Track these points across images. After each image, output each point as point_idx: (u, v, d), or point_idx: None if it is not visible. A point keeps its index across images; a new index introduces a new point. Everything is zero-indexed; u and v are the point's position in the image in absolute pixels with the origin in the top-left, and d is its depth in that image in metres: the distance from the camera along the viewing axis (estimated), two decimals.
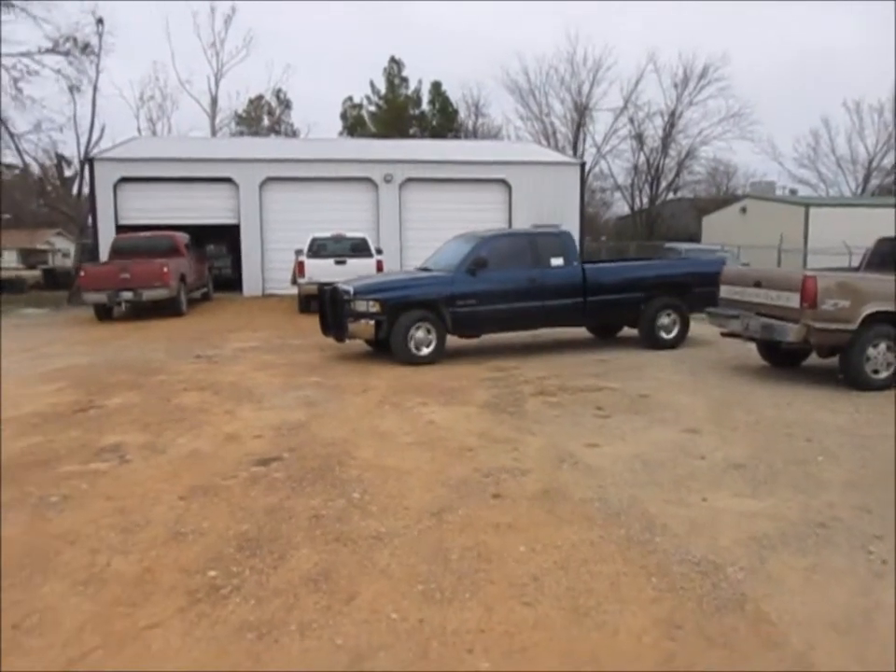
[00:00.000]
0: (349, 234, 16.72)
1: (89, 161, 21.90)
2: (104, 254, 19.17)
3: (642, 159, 43.63)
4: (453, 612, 3.08)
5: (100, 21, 32.59)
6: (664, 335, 10.60)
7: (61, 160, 39.34)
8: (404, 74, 51.17)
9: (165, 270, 14.87)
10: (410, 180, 21.85)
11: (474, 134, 48.90)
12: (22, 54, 25.87)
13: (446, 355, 9.97)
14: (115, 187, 20.51)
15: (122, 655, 2.80)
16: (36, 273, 39.72)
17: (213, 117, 46.26)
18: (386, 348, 9.68)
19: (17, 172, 40.76)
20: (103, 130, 36.24)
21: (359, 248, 16.15)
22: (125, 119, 57.59)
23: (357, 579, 3.38)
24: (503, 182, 22.52)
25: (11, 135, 28.16)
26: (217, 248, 24.01)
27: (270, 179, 21.08)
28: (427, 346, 9.56)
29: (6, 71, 25.41)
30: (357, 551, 3.68)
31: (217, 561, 3.57)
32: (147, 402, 7.32)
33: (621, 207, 48.05)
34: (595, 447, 5.53)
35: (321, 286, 11.11)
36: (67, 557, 3.67)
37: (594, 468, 5.02)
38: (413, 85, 50.91)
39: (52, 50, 27.07)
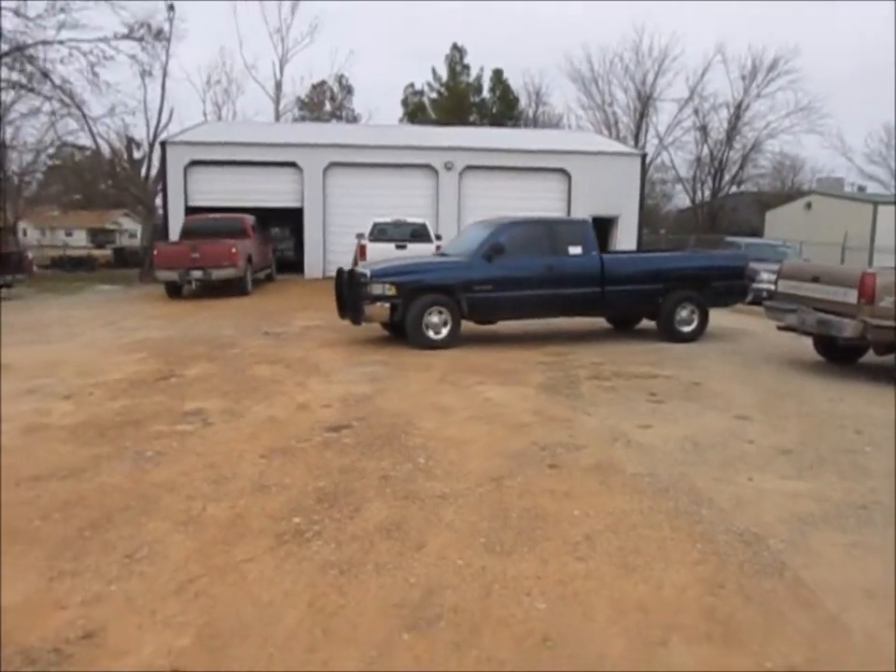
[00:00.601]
0: (409, 220, 17.10)
1: (161, 144, 22.77)
2: (173, 234, 20.00)
3: (706, 151, 42.95)
4: (512, 562, 3.41)
5: (171, 7, 33.63)
6: (682, 328, 10.48)
7: (131, 142, 40.70)
8: (466, 61, 51.34)
9: (234, 251, 15.50)
10: (470, 168, 22.13)
11: (534, 123, 48.80)
12: (99, 39, 26.93)
13: (500, 339, 10.28)
14: (185, 169, 21.30)
15: (224, 582, 3.21)
16: (107, 252, 41.34)
17: (277, 102, 47.23)
18: (402, 332, 9.77)
19: (87, 153, 42.36)
20: (171, 113, 37.17)
21: (419, 234, 16.51)
22: (192, 103, 59.26)
23: (425, 531, 3.74)
24: (563, 171, 22.61)
25: (85, 118, 29.35)
26: (280, 231, 24.67)
27: (333, 164, 21.62)
28: (442, 331, 9.59)
29: (83, 56, 26.51)
30: (424, 507, 4.04)
31: (299, 510, 3.98)
32: (223, 373, 7.82)
33: (682, 200, 47.41)
34: (648, 428, 5.78)
35: None
36: (167, 502, 4.12)
37: (645, 446, 5.28)
38: (474, 72, 51.04)
39: (128, 36, 28.10)
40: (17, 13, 23.55)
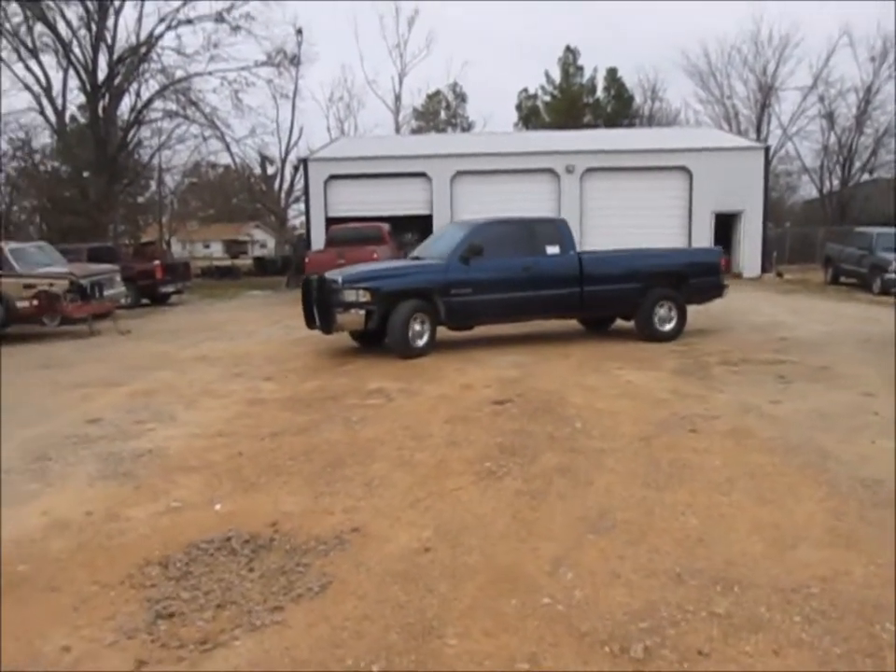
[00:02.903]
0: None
1: (302, 161, 24.74)
2: (315, 243, 21.76)
3: (833, 139, 41.40)
4: (666, 495, 4.27)
5: (299, 32, 36.14)
6: (661, 327, 10.28)
7: (264, 159, 43.75)
8: (579, 62, 51.67)
9: (375, 256, 16.84)
10: (590, 170, 22.77)
11: (650, 120, 48.52)
12: (242, 68, 29.50)
13: (621, 333, 10.99)
14: (325, 183, 23.10)
15: (444, 502, 4.25)
16: (245, 261, 44.57)
17: (396, 113, 49.27)
18: (373, 341, 9.70)
19: (221, 171, 45.79)
20: (301, 131, 39.95)
21: None
22: (316, 119, 62.54)
23: (592, 473, 4.65)
24: (684, 169, 22.85)
25: (223, 139, 31.99)
26: (411, 237, 26.15)
27: (460, 173, 22.86)
28: (422, 338, 9.33)
29: (229, 84, 29.14)
30: (588, 458, 4.95)
31: (488, 458, 4.98)
32: (389, 361, 9.00)
33: (808, 191, 45.80)
34: (777, 403, 6.44)
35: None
36: (381, 451, 5.23)
37: (776, 417, 5.97)
38: (587, 73, 51.28)
39: (266, 63, 30.59)
40: (177, 51, 26.27)
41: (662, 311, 10.33)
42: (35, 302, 12.48)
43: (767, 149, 25.53)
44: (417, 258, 10.63)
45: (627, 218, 21.68)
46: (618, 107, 50.16)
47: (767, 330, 11.14)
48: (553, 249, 10.12)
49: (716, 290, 10.86)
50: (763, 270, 23.58)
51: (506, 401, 6.62)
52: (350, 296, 9.12)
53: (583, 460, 4.90)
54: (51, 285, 12.61)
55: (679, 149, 23.46)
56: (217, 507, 4.32)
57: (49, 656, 2.84)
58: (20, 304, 12.47)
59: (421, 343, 9.31)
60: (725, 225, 23.63)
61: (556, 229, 10.47)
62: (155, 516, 4.17)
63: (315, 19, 59.93)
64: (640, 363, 8.56)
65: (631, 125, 45.95)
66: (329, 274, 9.73)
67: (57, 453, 5.46)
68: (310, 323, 9.93)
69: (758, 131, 41.67)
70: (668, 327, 10.35)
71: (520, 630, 2.88)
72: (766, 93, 42.32)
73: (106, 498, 4.46)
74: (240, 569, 3.50)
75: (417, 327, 9.28)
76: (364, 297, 9.09)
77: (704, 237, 22.58)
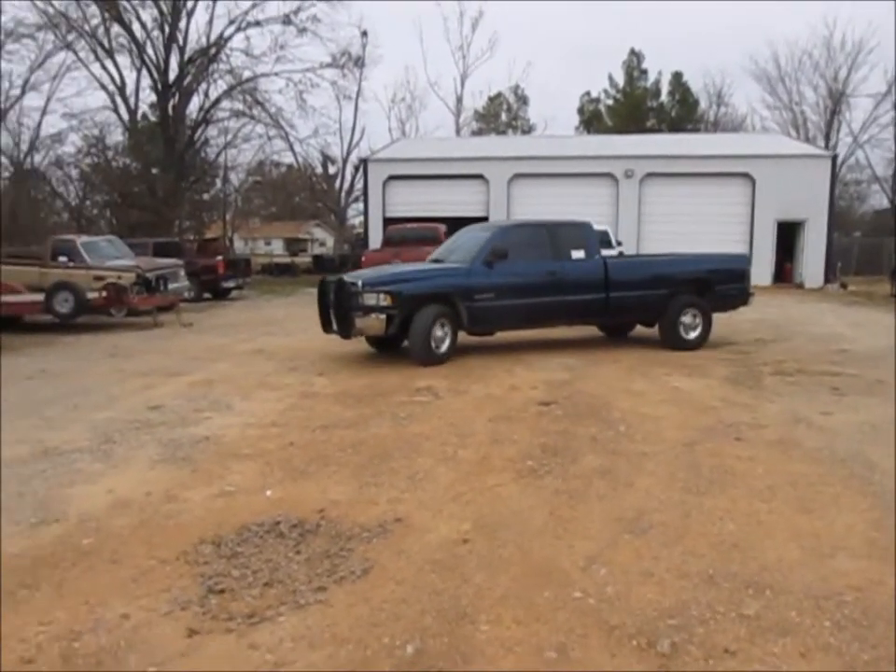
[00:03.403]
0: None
1: (363, 162, 25.18)
2: (373, 242, 22.12)
3: None
4: (706, 499, 4.29)
5: (364, 34, 36.73)
6: (686, 335, 10.09)
7: (326, 159, 44.53)
8: (644, 66, 51.20)
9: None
10: (650, 175, 22.57)
11: (715, 125, 47.70)
12: (307, 70, 30.14)
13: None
14: (384, 184, 23.46)
15: (484, 497, 4.36)
16: (303, 259, 45.43)
17: (457, 115, 49.59)
18: (390, 347, 9.60)
19: (283, 170, 46.76)
20: (363, 132, 40.62)
21: (602, 240, 17.25)
22: (377, 119, 63.52)
23: (632, 476, 4.71)
24: (746, 176, 22.46)
25: (288, 139, 32.71)
26: None
27: (517, 175, 22.95)
28: (444, 344, 8.99)
29: (294, 85, 29.80)
30: (629, 461, 5.01)
31: (530, 457, 5.08)
32: None
33: (878, 200, 44.43)
34: (829, 414, 6.35)
35: None
36: (427, 447, 5.38)
37: (825, 428, 5.91)
38: (652, 77, 50.78)
39: (331, 65, 31.20)
40: (245, 53, 27.06)
41: (687, 318, 10.14)
42: (104, 294, 13.07)
43: (835, 158, 24.89)
44: (437, 260, 10.36)
45: (687, 225, 21.44)
46: (682, 112, 49.49)
47: (827, 342, 10.93)
48: (578, 254, 9.94)
49: (741, 298, 10.69)
50: (827, 280, 22.99)
51: (551, 403, 6.70)
52: (370, 299, 8.77)
53: (625, 463, 4.96)
54: (119, 277, 13.19)
55: (743, 156, 23.06)
56: (268, 493, 4.52)
57: (110, 622, 3.05)
58: (90, 295, 13.08)
59: (442, 349, 8.97)
60: (789, 234, 23.12)
61: (582, 232, 10.25)
62: (210, 499, 4.40)
63: (380, 21, 60.90)
64: (691, 370, 8.52)
65: (695, 130, 45.31)
66: (347, 277, 9.46)
67: (121, 436, 5.78)
68: (326, 327, 9.51)
69: (826, 138, 40.62)
70: (693, 335, 10.16)
71: (550, 621, 2.98)
72: (837, 100, 41.21)
73: (165, 481, 4.72)
74: (287, 551, 3.68)
75: (439, 332, 8.91)
76: (385, 301, 8.73)
77: (766, 245, 22.16)
